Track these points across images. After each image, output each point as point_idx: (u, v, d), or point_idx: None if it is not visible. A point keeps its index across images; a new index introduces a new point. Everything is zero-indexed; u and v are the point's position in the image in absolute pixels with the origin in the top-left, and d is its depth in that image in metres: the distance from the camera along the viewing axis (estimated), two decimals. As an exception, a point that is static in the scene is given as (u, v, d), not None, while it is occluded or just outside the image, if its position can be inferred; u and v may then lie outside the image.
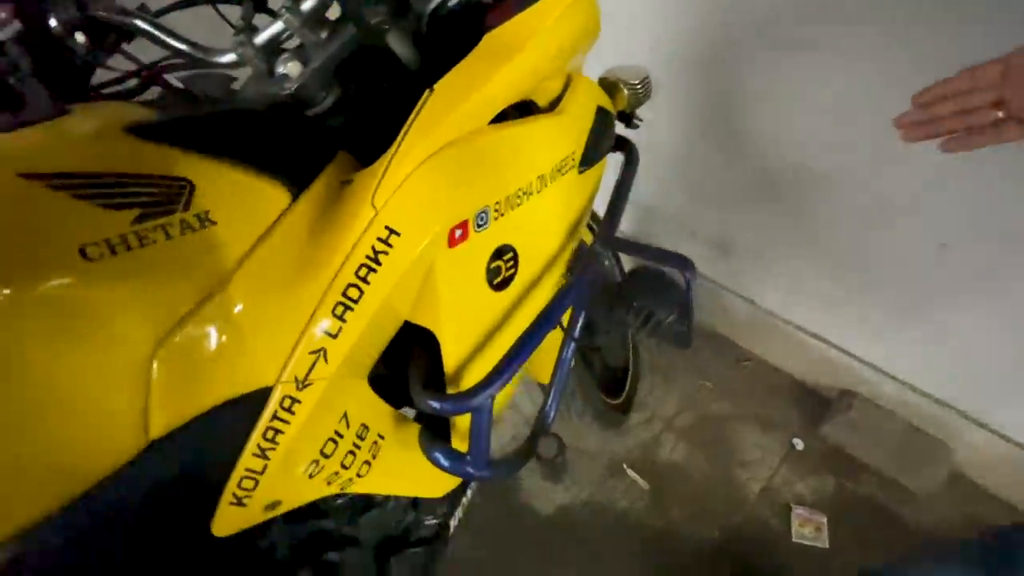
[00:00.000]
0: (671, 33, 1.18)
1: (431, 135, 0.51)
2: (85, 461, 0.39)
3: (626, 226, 1.65)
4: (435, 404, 0.55)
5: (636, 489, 1.28)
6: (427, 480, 0.67)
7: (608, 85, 0.79)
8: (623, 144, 0.84)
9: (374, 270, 0.48)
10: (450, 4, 0.60)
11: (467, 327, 0.58)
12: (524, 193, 0.59)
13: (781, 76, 1.08)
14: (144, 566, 0.47)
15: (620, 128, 0.86)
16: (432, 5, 0.60)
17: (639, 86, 0.78)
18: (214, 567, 0.53)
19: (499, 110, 0.57)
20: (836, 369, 1.37)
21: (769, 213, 1.27)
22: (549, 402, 0.74)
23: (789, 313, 1.41)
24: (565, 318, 0.77)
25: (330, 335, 0.47)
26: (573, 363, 0.77)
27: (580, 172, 0.69)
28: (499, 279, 0.59)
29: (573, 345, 0.74)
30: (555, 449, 0.67)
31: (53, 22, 0.56)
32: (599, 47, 0.69)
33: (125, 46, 0.62)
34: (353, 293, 0.48)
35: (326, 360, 0.48)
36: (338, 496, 0.64)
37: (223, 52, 0.53)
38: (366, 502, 0.70)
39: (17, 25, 0.55)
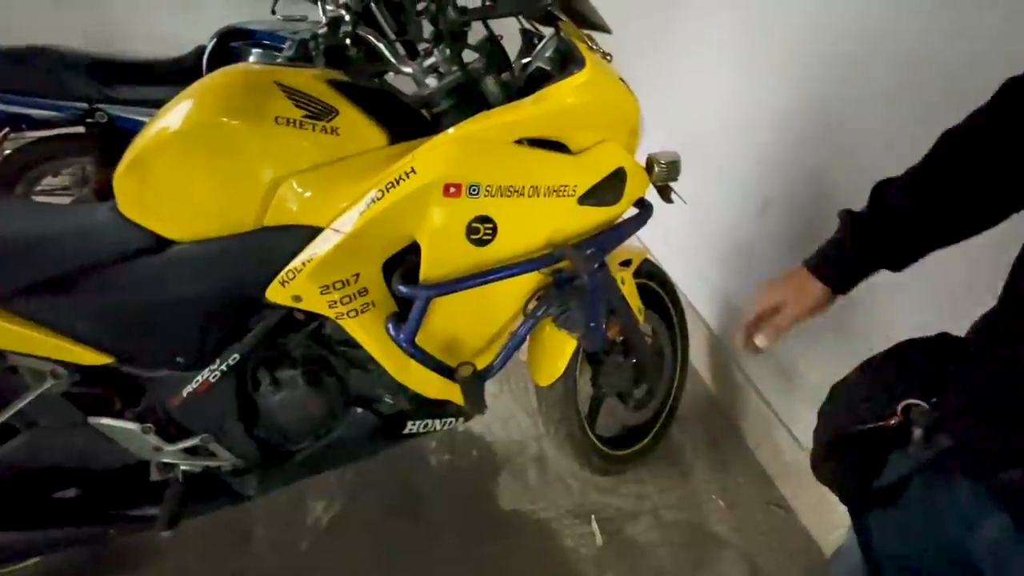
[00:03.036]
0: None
1: (465, 130, 0.83)
2: (235, 217, 0.80)
3: (713, 322, 1.69)
4: (395, 283, 0.85)
5: (590, 539, 1.32)
6: (392, 356, 0.94)
7: (648, 161, 1.00)
8: (642, 203, 1.03)
9: (394, 186, 0.80)
10: (530, 71, 0.92)
11: (441, 253, 0.86)
12: (514, 191, 0.85)
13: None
14: (224, 300, 0.87)
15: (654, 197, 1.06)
16: (528, 72, 0.94)
17: (665, 165, 0.96)
18: (256, 318, 0.91)
19: (519, 136, 0.85)
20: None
21: (841, 356, 1.23)
22: (498, 352, 0.98)
23: (835, 474, 1.28)
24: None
25: (359, 212, 0.81)
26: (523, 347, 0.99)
27: (579, 203, 0.92)
28: (476, 236, 0.86)
29: (529, 323, 0.96)
30: (470, 377, 0.89)
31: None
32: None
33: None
34: (378, 195, 0.81)
35: (350, 226, 0.82)
36: (343, 343, 0.97)
37: (407, 65, 0.94)
38: (362, 365, 1.01)
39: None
